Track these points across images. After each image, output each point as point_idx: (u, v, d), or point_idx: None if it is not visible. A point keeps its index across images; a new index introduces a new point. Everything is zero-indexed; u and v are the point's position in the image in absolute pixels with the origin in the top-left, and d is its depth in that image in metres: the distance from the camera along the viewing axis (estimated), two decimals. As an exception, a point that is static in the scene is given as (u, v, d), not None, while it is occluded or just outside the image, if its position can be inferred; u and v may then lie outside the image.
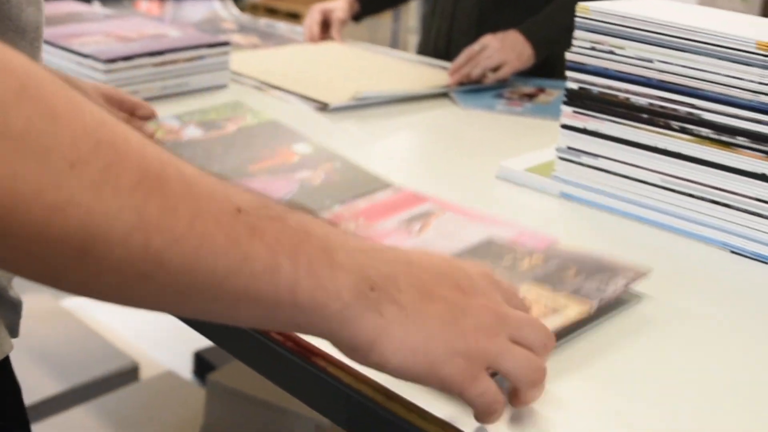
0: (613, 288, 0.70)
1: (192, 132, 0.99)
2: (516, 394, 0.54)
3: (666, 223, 0.91)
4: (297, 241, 0.45)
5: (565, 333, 0.66)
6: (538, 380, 0.53)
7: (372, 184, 0.92)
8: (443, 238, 0.79)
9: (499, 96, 1.40)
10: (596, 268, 0.74)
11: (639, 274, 0.73)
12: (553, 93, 1.44)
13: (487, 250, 0.77)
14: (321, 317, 0.47)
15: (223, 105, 1.07)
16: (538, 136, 1.18)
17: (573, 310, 0.67)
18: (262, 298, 0.44)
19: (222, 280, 0.43)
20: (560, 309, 0.67)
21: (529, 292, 0.69)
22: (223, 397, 1.44)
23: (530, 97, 1.41)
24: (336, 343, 0.49)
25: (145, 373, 1.88)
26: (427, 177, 1.05)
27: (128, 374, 1.84)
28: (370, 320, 0.47)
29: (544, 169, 1.02)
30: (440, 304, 0.50)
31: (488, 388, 0.51)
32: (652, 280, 0.75)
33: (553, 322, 0.65)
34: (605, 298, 0.69)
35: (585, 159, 0.97)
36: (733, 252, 0.86)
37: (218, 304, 0.44)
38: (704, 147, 0.87)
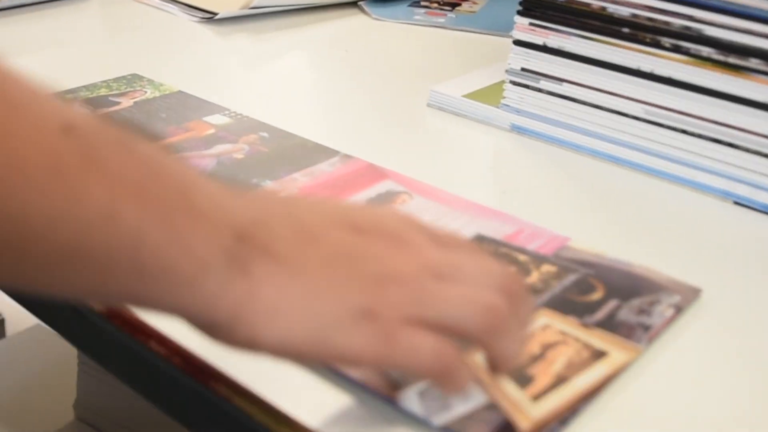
0: (659, 319, 0.54)
1: (76, 111, 0.75)
2: (487, 359, 0.39)
3: (651, 166, 0.73)
4: (146, 175, 0.33)
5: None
6: (499, 325, 0.38)
7: (311, 154, 0.71)
8: (416, 236, 0.60)
9: (416, 4, 1.16)
10: (631, 287, 0.56)
11: (689, 296, 0.56)
12: (478, 1, 1.21)
13: (478, 255, 0.59)
14: (167, 285, 0.33)
15: (116, 79, 0.82)
16: (468, 52, 0.98)
17: (617, 357, 0.50)
18: (91, 256, 0.32)
19: (38, 231, 0.31)
20: (598, 354, 0.50)
21: (549, 326, 0.52)
22: (95, 374, 1.24)
23: (452, 5, 1.18)
24: (190, 321, 0.35)
25: (10, 327, 1.65)
26: (341, 107, 0.84)
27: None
28: (233, 284, 0.34)
29: (486, 95, 0.83)
30: (329, 248, 0.36)
31: (419, 344, 0.36)
32: (633, 240, 0.60)
33: (595, 374, 0.48)
34: (653, 336, 0.53)
35: (545, 84, 0.78)
36: (737, 203, 0.69)
37: (24, 265, 0.32)
38: (704, 70, 0.68)
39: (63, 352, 1.45)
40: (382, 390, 0.45)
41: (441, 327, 0.36)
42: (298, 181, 0.65)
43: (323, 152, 0.70)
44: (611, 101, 0.74)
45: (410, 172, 0.67)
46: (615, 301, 0.53)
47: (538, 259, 0.57)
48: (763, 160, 0.68)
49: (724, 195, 0.70)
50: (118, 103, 0.77)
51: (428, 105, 0.84)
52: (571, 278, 0.55)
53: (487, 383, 0.46)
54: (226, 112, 0.76)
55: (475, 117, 0.81)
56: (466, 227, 0.60)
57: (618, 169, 0.74)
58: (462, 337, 0.37)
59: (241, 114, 0.76)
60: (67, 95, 0.78)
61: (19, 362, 1.45)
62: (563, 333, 0.50)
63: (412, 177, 0.67)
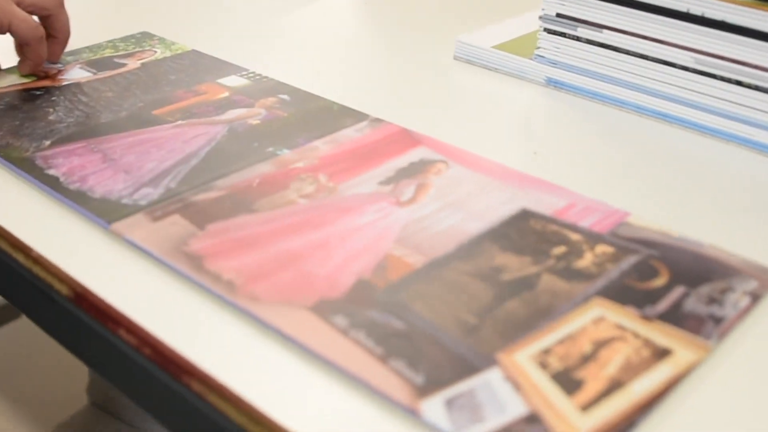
0: (733, 310, 0.46)
1: (77, 74, 0.69)
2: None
3: (702, 122, 0.64)
4: None
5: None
6: (42, 35, 0.66)
7: (337, 118, 0.63)
8: (453, 211, 0.52)
9: None
10: (700, 271, 0.48)
11: (767, 281, 0.48)
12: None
13: (521, 232, 0.51)
14: None
15: (124, 39, 0.76)
16: (495, 0, 0.89)
17: (683, 357, 0.42)
18: None
19: None
20: (661, 352, 0.42)
21: (603, 319, 0.44)
22: None
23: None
24: None
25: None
26: (365, 64, 0.76)
27: (5, 311, 1.51)
28: None
29: (517, 46, 0.74)
30: None
31: (25, 17, 0.65)
32: (692, 211, 0.53)
33: (657, 378, 0.40)
34: (725, 330, 0.44)
35: (583, 31, 0.69)
36: None
37: None
38: (763, 13, 0.59)
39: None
40: (402, 399, 0.38)
41: (36, 8, 0.67)
42: (319, 150, 0.57)
43: (350, 116, 0.62)
44: (657, 49, 0.66)
45: (438, 134, 0.59)
46: (681, 288, 0.45)
47: (593, 238, 0.49)
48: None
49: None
50: (123, 65, 0.70)
51: (455, 58, 0.76)
52: (630, 260, 0.47)
53: (527, 388, 0.38)
54: (244, 72, 0.69)
55: (507, 70, 0.74)
56: (511, 201, 0.52)
57: (667, 126, 0.65)
58: (44, 12, 0.67)
59: (259, 75, 0.69)
60: (69, 57, 0.72)
61: (30, 346, 1.40)
62: (620, 327, 0.42)
63: (446, 141, 0.59)
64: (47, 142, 0.58)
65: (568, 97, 0.69)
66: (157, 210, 0.51)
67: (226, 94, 0.65)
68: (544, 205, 0.52)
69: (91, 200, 0.52)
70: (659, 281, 0.46)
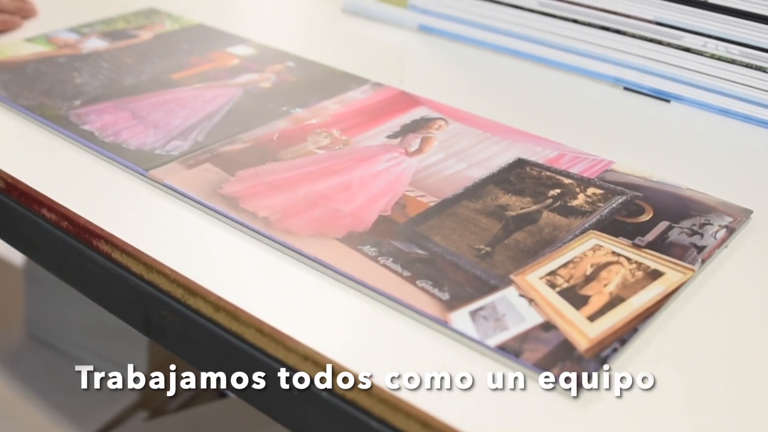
0: (711, 240, 0.50)
1: (94, 44, 0.70)
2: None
3: (547, 57, 0.70)
4: None
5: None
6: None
7: (340, 82, 0.66)
8: (457, 160, 0.56)
9: None
10: (680, 208, 0.52)
11: (740, 217, 0.52)
12: None
13: (519, 177, 0.54)
14: None
15: (134, 13, 0.77)
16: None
17: (673, 277, 0.46)
18: None
19: None
20: (653, 273, 0.46)
21: (600, 247, 0.48)
22: (45, 286, 1.13)
23: None
24: None
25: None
26: (257, 15, 0.80)
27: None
28: None
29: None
30: None
31: None
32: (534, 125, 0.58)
33: (652, 293, 0.44)
34: (707, 256, 0.48)
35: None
36: (626, 89, 0.67)
37: None
38: None
39: (9, 269, 1.33)
40: (433, 312, 0.41)
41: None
42: (329, 108, 0.60)
43: (353, 80, 0.65)
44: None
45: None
46: (665, 222, 0.49)
47: (583, 182, 0.53)
48: (648, 45, 0.66)
49: (615, 81, 0.68)
50: (137, 36, 0.72)
51: (343, 10, 0.82)
52: (618, 200, 0.51)
53: (541, 303, 0.42)
54: (249, 42, 0.72)
55: (387, 20, 0.80)
56: (507, 151, 0.56)
57: (516, 61, 0.72)
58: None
59: (264, 45, 0.71)
60: (84, 29, 0.73)
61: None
62: (615, 253, 0.46)
63: (447, 104, 0.62)
64: (78, 102, 0.60)
65: (436, 41, 0.76)
66: (189, 159, 0.53)
67: (237, 61, 0.68)
68: (537, 155, 0.56)
69: (127, 151, 0.54)
70: (645, 217, 0.50)
